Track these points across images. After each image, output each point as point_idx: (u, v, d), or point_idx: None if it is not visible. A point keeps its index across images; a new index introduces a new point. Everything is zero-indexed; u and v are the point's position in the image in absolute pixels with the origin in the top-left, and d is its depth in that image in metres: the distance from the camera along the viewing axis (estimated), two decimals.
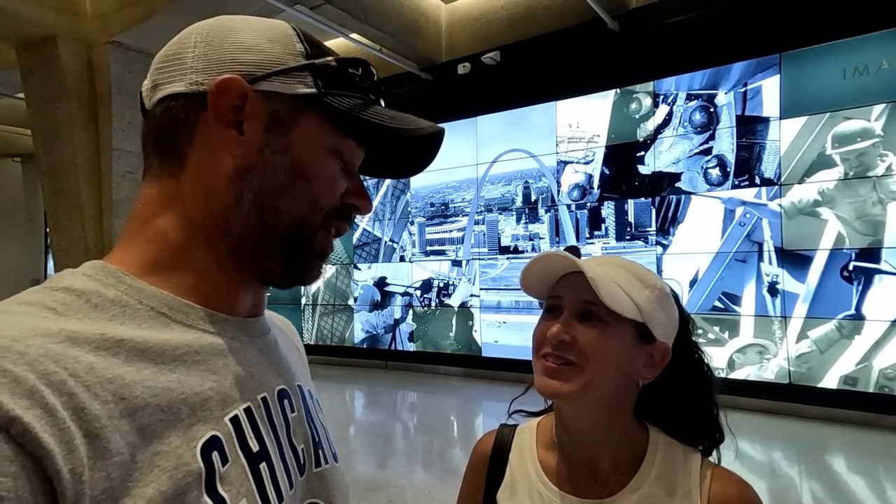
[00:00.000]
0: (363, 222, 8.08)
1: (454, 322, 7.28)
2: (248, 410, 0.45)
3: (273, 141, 0.47)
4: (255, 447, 0.44)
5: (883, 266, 4.70)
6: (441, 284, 7.43)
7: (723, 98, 5.40)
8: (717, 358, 5.33)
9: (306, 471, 0.51)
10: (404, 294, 7.73)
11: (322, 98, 0.47)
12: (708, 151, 5.48)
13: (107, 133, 5.10)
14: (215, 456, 0.40)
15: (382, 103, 0.53)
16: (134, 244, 0.46)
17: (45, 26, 4.93)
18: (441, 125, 0.53)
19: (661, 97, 5.75)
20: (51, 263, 9.93)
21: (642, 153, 5.85)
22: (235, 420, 0.43)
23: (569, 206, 6.40)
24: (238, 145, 0.46)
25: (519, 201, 6.79)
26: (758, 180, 5.24)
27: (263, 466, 0.44)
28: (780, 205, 5.12)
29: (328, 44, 0.55)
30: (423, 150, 0.55)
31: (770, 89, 5.15)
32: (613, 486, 0.70)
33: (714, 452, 0.76)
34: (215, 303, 0.47)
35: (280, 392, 0.50)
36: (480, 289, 7.06)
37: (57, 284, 0.41)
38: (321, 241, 0.50)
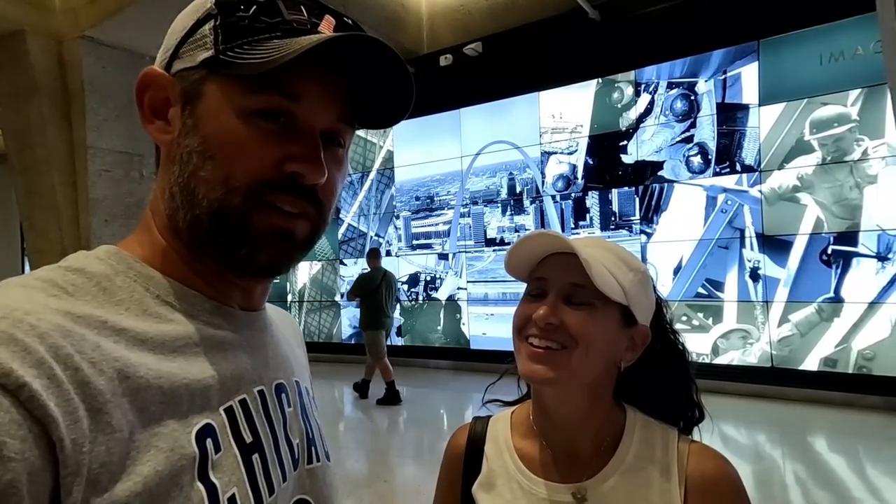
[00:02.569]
0: (348, 217, 8.02)
1: (442, 315, 7.28)
2: (243, 402, 0.45)
3: (185, 123, 0.44)
4: (248, 438, 0.44)
5: (860, 249, 4.80)
6: (428, 278, 7.41)
7: (703, 86, 5.45)
8: (701, 344, 5.41)
9: (299, 466, 0.50)
10: None
11: (219, 57, 0.42)
12: (689, 139, 5.53)
13: (81, 131, 4.97)
14: (209, 443, 0.40)
15: (328, 30, 0.43)
16: (139, 236, 0.47)
17: (13, 21, 4.77)
18: (354, 34, 0.42)
19: (643, 86, 5.77)
20: (27, 267, 9.70)
21: (625, 142, 5.88)
22: (230, 410, 0.43)
23: (553, 197, 6.42)
24: (165, 136, 0.45)
25: (504, 193, 6.79)
26: (738, 167, 5.30)
27: (256, 458, 0.44)
28: (760, 191, 5.19)
29: None
30: (392, 77, 0.46)
31: (749, 76, 5.21)
32: (593, 469, 0.70)
33: (695, 432, 0.76)
34: (218, 294, 0.47)
35: (278, 386, 0.50)
36: (467, 281, 7.06)
37: (71, 265, 0.42)
38: (260, 222, 0.43)
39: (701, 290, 5.49)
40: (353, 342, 8.00)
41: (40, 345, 0.33)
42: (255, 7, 0.42)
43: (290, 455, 0.49)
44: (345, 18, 0.45)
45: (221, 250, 0.44)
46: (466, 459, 0.78)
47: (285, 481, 0.47)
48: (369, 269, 5.60)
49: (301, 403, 0.53)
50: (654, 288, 0.74)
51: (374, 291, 5.38)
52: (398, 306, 7.60)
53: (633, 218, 5.89)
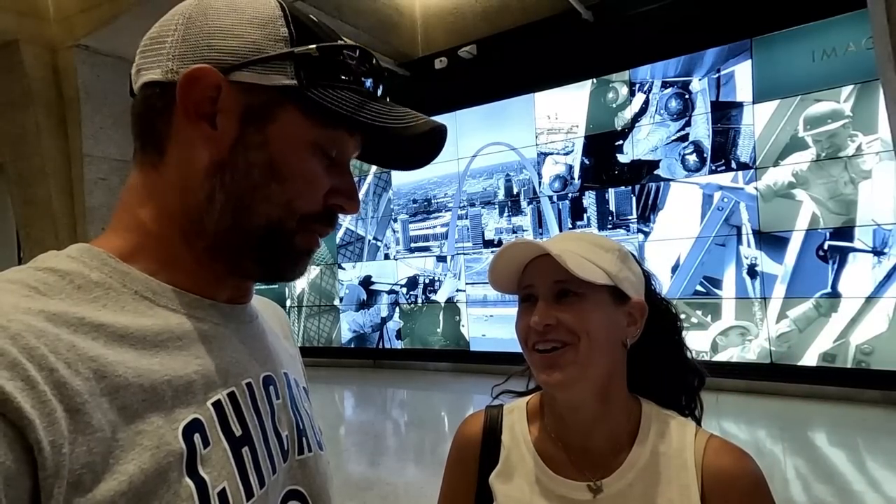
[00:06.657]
0: (346, 222, 8.02)
1: (441, 318, 7.28)
2: (231, 395, 0.45)
3: (248, 136, 0.44)
4: (237, 432, 0.44)
5: (856, 244, 4.82)
6: (427, 281, 7.42)
7: (697, 84, 5.47)
8: (700, 341, 5.42)
9: (289, 457, 0.50)
10: (390, 292, 7.70)
11: (304, 91, 0.44)
12: (685, 138, 5.55)
13: (77, 139, 4.96)
14: (197, 438, 0.40)
15: (381, 89, 0.49)
16: (117, 232, 0.46)
17: (6, 30, 4.77)
18: (441, 122, 0.49)
19: (637, 86, 5.80)
20: None
21: (621, 142, 5.91)
22: (218, 404, 0.43)
23: (551, 198, 6.44)
24: (210, 140, 0.44)
25: (501, 194, 6.80)
26: (734, 165, 5.33)
27: (246, 451, 0.44)
28: (756, 188, 5.22)
29: None
30: (425, 145, 0.51)
31: (742, 74, 5.24)
32: (609, 466, 0.69)
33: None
34: (201, 289, 0.46)
35: (265, 378, 0.50)
36: (466, 283, 7.06)
37: (41, 265, 0.41)
38: (301, 242, 0.47)
39: (699, 288, 5.50)
40: (353, 346, 8.00)
41: (13, 346, 0.32)
42: (335, 54, 0.45)
43: (279, 447, 0.49)
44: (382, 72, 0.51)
45: (257, 260, 0.46)
46: (483, 448, 0.77)
47: (275, 473, 0.47)
48: None
49: (290, 395, 0.53)
50: (638, 262, 0.75)
51: None
52: (397, 309, 7.62)
53: (630, 217, 5.90)
